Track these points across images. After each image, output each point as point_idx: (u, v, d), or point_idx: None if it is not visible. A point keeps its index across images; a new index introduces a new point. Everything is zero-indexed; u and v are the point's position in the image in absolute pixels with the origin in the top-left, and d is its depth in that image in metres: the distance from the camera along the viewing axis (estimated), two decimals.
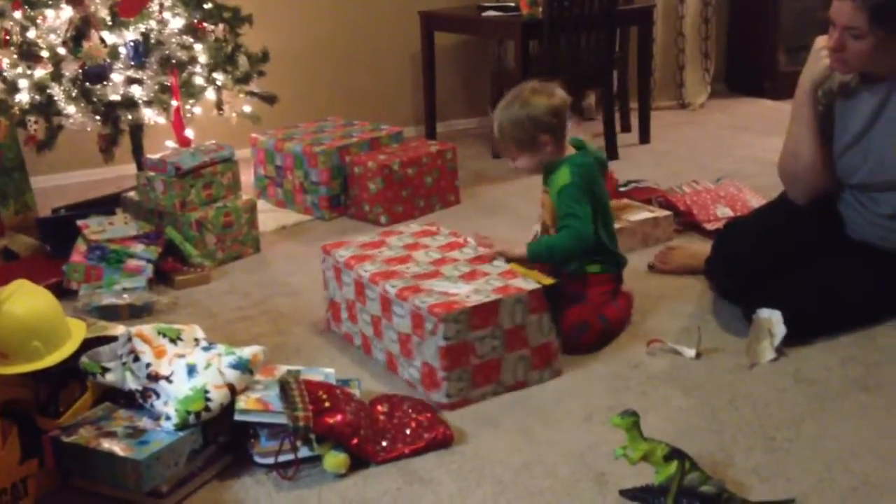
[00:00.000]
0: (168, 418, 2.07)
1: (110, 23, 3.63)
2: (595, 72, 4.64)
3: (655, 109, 5.48)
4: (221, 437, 2.14)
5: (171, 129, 3.82)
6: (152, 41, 3.66)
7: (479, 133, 5.38)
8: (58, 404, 2.17)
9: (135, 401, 2.17)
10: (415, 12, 5.05)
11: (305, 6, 5.02)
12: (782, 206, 2.92)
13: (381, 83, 5.30)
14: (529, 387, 2.46)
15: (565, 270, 2.73)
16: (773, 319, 2.58)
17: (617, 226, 3.01)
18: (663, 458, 1.91)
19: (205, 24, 3.84)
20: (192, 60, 3.78)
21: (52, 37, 3.58)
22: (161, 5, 3.71)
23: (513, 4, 4.73)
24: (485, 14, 4.77)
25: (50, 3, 3.60)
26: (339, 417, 2.11)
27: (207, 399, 2.09)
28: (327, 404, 2.13)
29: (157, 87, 3.66)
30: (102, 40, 3.60)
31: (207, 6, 3.87)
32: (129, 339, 2.20)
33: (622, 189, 3.80)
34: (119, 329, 2.36)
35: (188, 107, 3.84)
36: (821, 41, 2.61)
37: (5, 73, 3.58)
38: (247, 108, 4.05)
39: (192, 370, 2.15)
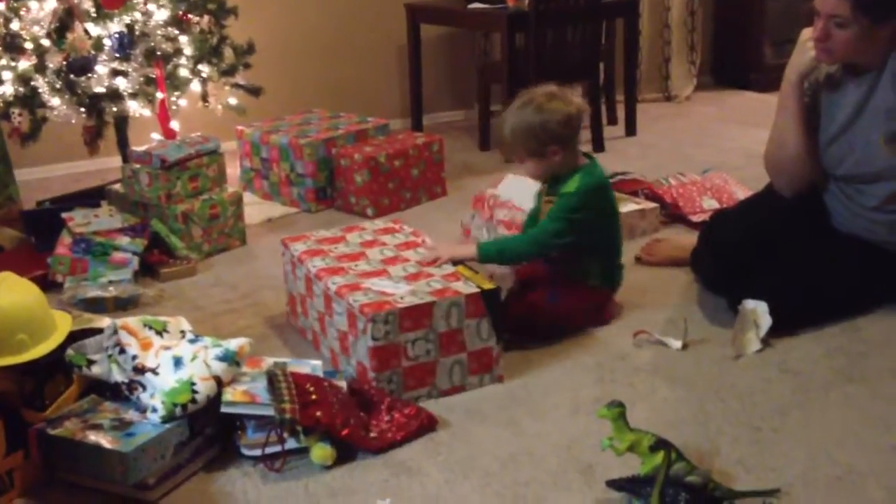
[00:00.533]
0: (154, 410, 2.07)
1: (94, 14, 3.61)
2: (581, 64, 4.64)
3: (641, 102, 5.49)
4: (208, 430, 2.13)
5: (156, 121, 3.81)
6: (137, 33, 3.64)
7: (466, 125, 5.38)
8: (43, 397, 2.16)
9: (121, 393, 2.17)
10: (401, 4, 5.04)
11: None
12: (768, 198, 2.93)
13: (368, 75, 5.29)
14: (470, 389, 2.41)
15: (587, 283, 2.72)
16: (758, 311, 2.59)
17: None
18: (649, 448, 1.91)
19: (190, 16, 3.83)
20: (178, 52, 3.76)
21: (36, 28, 3.56)
22: None
23: None
24: (471, 6, 4.76)
25: None
26: (327, 409, 2.11)
27: (194, 391, 2.09)
28: (314, 396, 2.13)
29: (142, 79, 3.64)
30: (87, 32, 3.58)
31: None
32: (115, 332, 2.19)
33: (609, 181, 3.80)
34: (105, 321, 2.36)
35: (173, 99, 3.82)
36: (807, 33, 2.62)
37: None
38: (232, 101, 4.04)
39: (178, 362, 2.15)
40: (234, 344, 2.23)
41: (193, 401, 2.08)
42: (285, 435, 2.09)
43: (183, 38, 3.77)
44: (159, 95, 3.70)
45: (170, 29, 3.73)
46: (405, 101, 5.28)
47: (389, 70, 5.38)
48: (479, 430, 2.24)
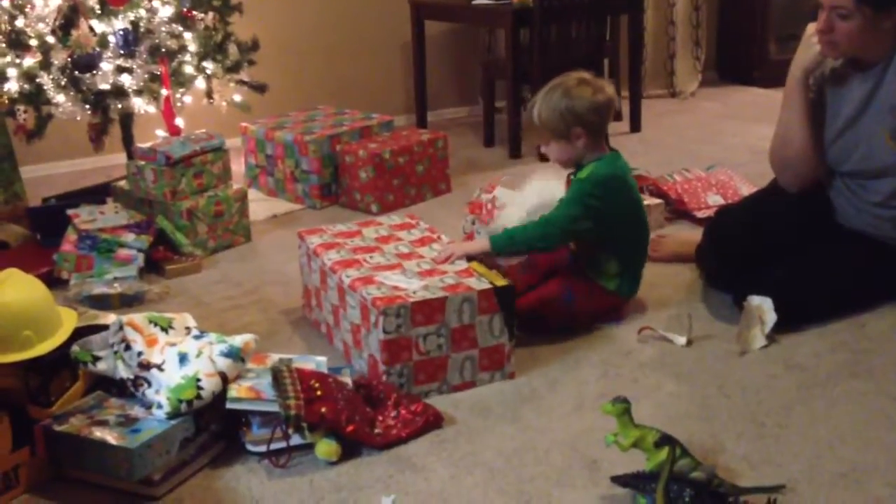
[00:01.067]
0: (160, 407, 2.07)
1: (99, 11, 3.61)
2: (585, 60, 4.62)
3: (646, 97, 5.49)
4: (213, 426, 2.13)
5: (161, 118, 3.82)
6: (142, 30, 3.65)
7: (470, 122, 5.38)
8: (49, 393, 2.16)
9: (126, 389, 2.17)
10: (405, 1, 5.03)
11: None
12: (773, 194, 2.93)
13: (372, 72, 5.29)
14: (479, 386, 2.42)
15: (603, 284, 2.72)
16: (763, 307, 2.59)
17: None
18: (654, 444, 1.91)
19: (194, 13, 3.83)
20: (182, 49, 3.77)
21: (41, 25, 3.57)
22: None
23: None
24: (475, 2, 4.76)
25: None
26: (332, 406, 2.11)
27: (199, 387, 2.09)
28: (319, 393, 2.13)
29: (146, 75, 3.65)
30: (91, 29, 3.58)
31: None
32: (121, 328, 2.19)
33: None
34: (110, 318, 2.36)
35: (178, 96, 3.83)
36: (811, 28, 2.62)
37: None
38: (237, 97, 4.05)
39: (183, 358, 2.15)
40: (239, 340, 2.23)
41: (199, 397, 2.08)
42: (290, 431, 2.09)
43: (187, 35, 3.77)
44: (164, 92, 3.70)
45: (174, 26, 3.74)
46: (410, 98, 5.28)
47: (394, 66, 5.38)
48: (483, 426, 2.24)
